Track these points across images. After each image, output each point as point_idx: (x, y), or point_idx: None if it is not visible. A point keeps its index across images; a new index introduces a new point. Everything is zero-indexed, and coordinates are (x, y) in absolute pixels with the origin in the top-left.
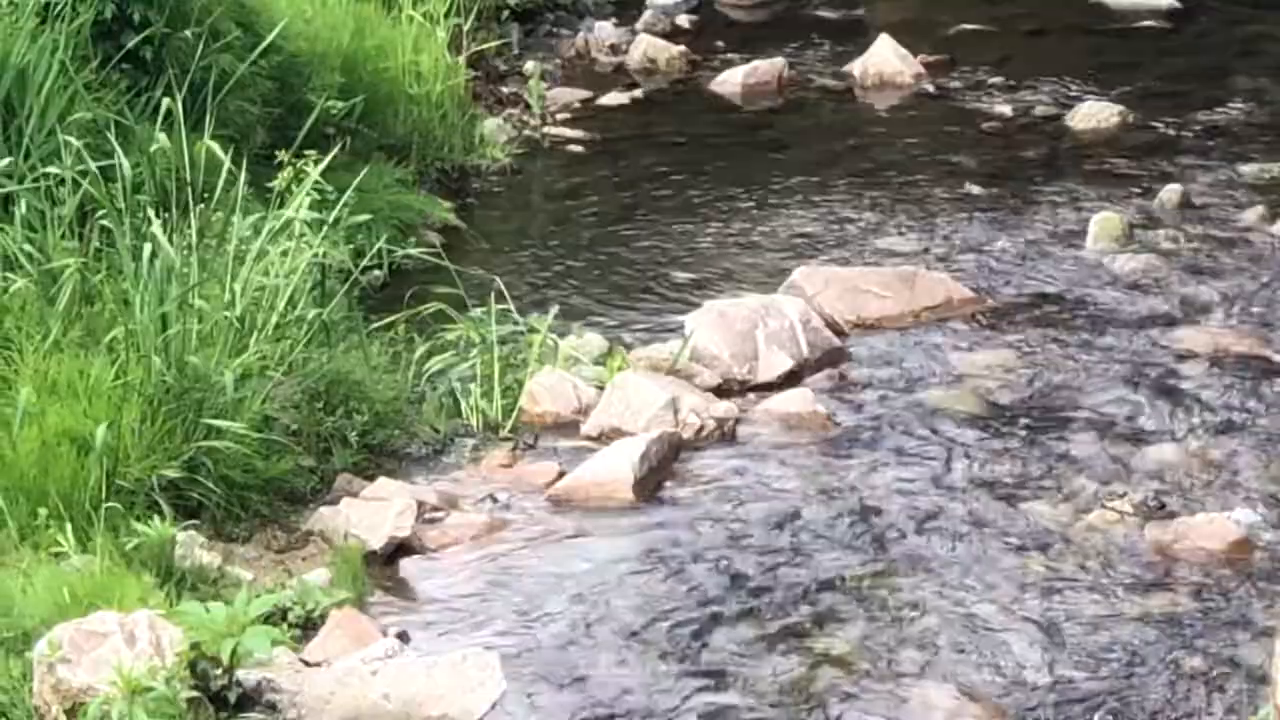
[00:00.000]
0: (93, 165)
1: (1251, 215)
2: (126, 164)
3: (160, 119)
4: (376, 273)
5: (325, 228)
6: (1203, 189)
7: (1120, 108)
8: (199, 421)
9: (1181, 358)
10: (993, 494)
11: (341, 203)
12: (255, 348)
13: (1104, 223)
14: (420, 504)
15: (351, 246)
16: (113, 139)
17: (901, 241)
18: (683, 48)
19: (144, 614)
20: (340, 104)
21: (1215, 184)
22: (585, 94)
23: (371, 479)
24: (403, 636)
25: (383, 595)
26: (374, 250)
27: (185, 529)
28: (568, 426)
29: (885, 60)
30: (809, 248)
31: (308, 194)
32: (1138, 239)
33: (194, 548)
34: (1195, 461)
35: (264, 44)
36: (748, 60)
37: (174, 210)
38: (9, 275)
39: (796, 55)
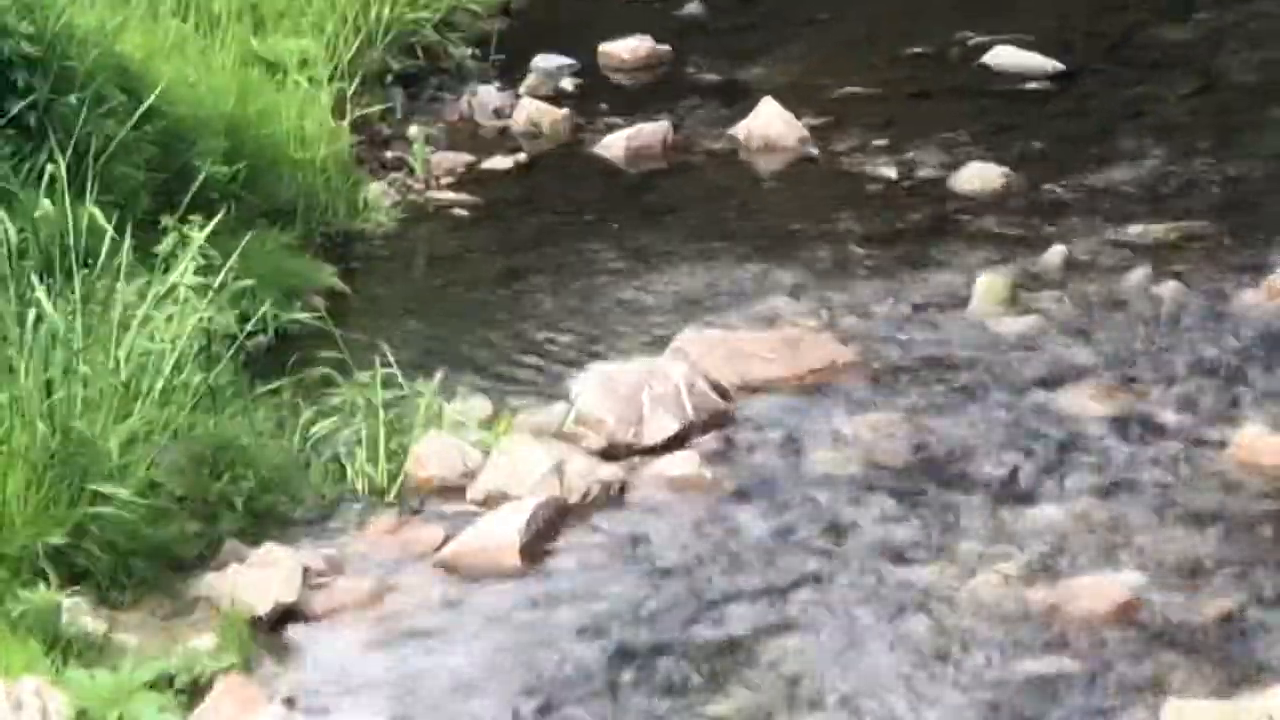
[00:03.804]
0: None
1: (1136, 276)
2: (11, 230)
3: (44, 185)
4: (261, 338)
5: (210, 293)
6: (1087, 250)
7: (1005, 169)
8: (84, 487)
9: (1067, 419)
10: (879, 557)
11: (226, 268)
12: (141, 413)
13: (988, 284)
14: (306, 569)
15: (237, 311)
16: None
17: (786, 305)
18: (566, 111)
19: (29, 681)
20: (224, 169)
21: (1100, 245)
22: (469, 158)
23: (258, 544)
24: (290, 702)
25: (270, 661)
26: (259, 315)
27: (71, 595)
28: (454, 491)
29: (769, 123)
30: (694, 311)
31: (192, 259)
32: (1022, 300)
33: (80, 614)
34: (1082, 523)
35: (143, 107)
36: (632, 123)
37: (58, 276)
38: None
39: (681, 118)
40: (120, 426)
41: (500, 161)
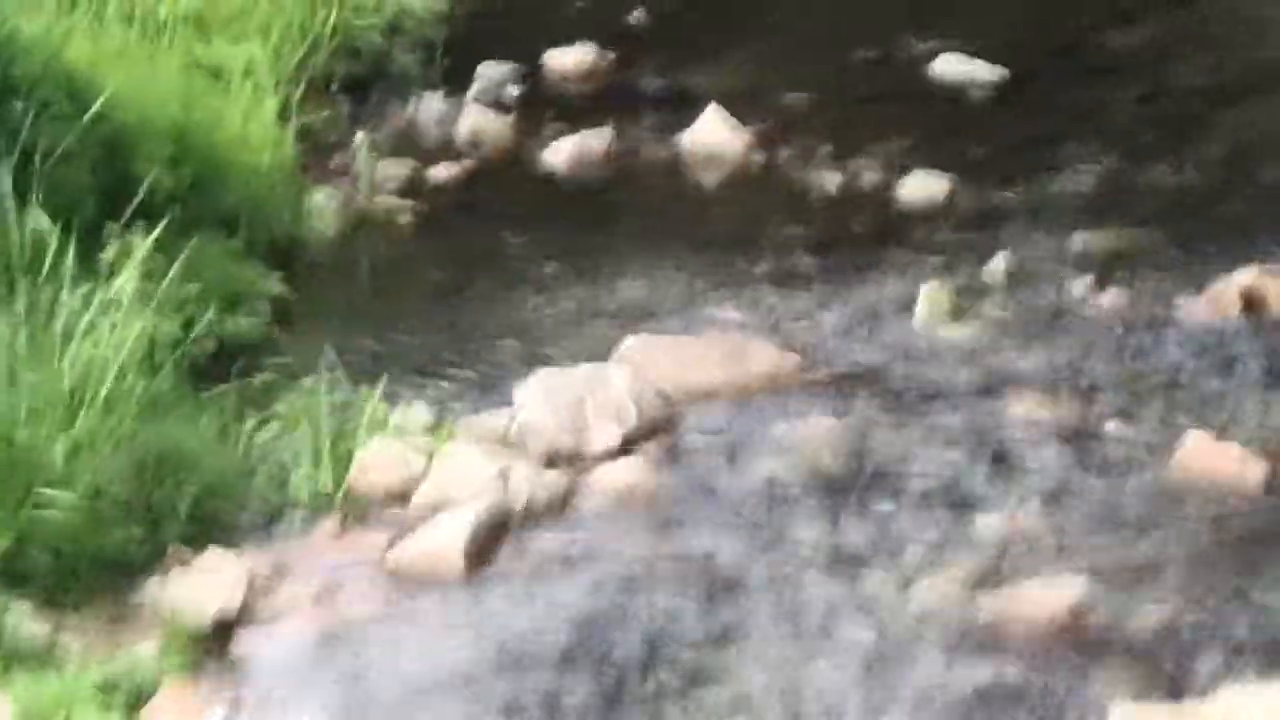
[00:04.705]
0: None
1: (1080, 285)
2: None
3: None
4: (206, 344)
5: (154, 300)
6: (1032, 259)
7: (950, 177)
8: (29, 493)
9: (1011, 428)
10: (823, 565)
11: (170, 274)
12: (85, 421)
13: (933, 293)
14: (251, 575)
15: (181, 316)
16: None
17: (731, 312)
18: (511, 119)
19: None
20: (170, 175)
21: (1045, 254)
22: (414, 165)
23: (202, 550)
24: (233, 707)
25: (213, 667)
26: (203, 322)
27: (15, 600)
28: (398, 497)
29: (714, 130)
30: (639, 318)
31: (137, 266)
32: (967, 309)
33: (23, 618)
34: (1025, 530)
35: (89, 114)
36: (576, 131)
37: (2, 284)
38: None
39: (625, 126)
40: (64, 434)
41: (445, 169)
